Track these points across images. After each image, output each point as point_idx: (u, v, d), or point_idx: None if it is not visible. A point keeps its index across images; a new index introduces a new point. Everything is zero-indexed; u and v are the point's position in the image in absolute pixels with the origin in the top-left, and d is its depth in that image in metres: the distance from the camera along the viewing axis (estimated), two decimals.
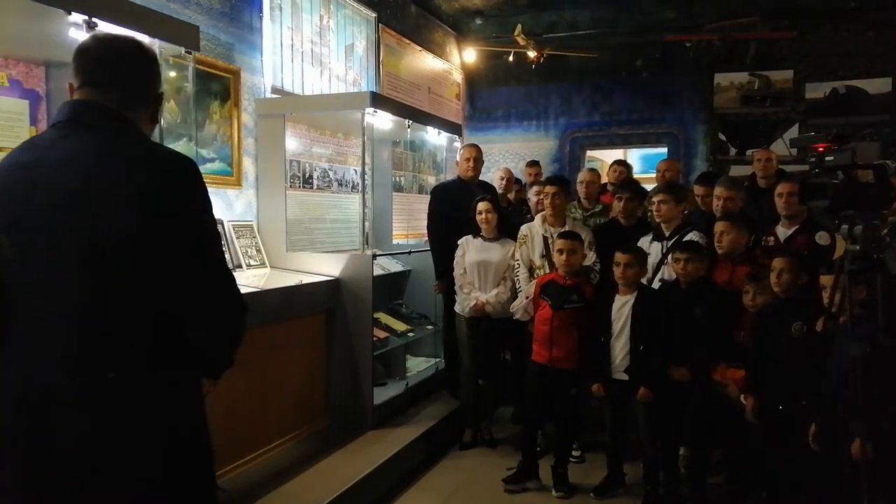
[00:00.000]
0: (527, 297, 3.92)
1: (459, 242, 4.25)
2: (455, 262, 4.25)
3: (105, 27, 2.44)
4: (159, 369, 1.39)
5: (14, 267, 1.34)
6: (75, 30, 2.44)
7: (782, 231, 3.75)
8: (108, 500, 1.34)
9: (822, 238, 3.15)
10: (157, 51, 1.60)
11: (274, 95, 4.43)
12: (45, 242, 1.33)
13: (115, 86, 1.45)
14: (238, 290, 1.50)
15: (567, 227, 3.98)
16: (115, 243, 1.32)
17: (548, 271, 3.90)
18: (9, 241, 1.34)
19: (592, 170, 5.05)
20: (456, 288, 4.27)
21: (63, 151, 1.38)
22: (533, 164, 6.05)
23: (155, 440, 1.37)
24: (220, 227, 3.76)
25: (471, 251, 4.19)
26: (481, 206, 4.14)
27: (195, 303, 1.42)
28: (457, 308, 4.29)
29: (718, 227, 3.58)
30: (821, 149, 2.50)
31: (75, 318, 1.33)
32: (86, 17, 2.41)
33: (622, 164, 5.58)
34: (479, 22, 7.56)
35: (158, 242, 1.35)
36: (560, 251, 3.65)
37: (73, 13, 2.38)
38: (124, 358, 1.34)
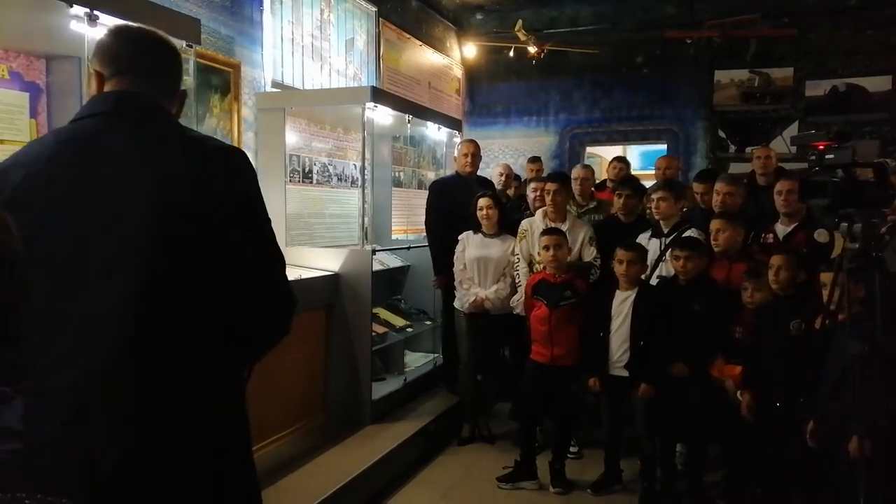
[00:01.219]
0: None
1: (460, 238, 4.25)
2: (455, 257, 4.25)
3: (106, 20, 2.44)
4: (215, 364, 1.35)
5: (60, 266, 1.24)
6: (76, 22, 2.44)
7: (781, 229, 3.75)
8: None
9: (820, 236, 3.16)
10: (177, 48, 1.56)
11: (274, 89, 4.42)
12: (103, 241, 1.25)
13: (151, 76, 1.41)
14: (286, 279, 1.49)
15: (568, 223, 3.99)
16: (184, 236, 1.29)
17: (545, 267, 3.90)
18: (62, 241, 1.25)
19: (586, 166, 5.05)
20: (455, 283, 4.27)
21: (114, 143, 1.32)
22: (535, 159, 6.05)
23: (212, 439, 1.33)
24: None
25: (471, 247, 4.20)
26: (482, 202, 4.14)
27: (248, 282, 1.38)
28: (456, 304, 4.29)
29: (714, 224, 3.59)
30: (821, 147, 2.51)
31: (130, 316, 1.24)
32: (87, 10, 2.41)
33: (622, 161, 5.58)
34: (479, 17, 7.55)
35: (221, 231, 1.33)
36: (546, 247, 3.66)
37: (74, 6, 2.38)
38: (185, 354, 1.30)
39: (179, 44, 2.84)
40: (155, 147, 1.34)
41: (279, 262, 1.46)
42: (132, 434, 1.23)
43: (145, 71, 1.40)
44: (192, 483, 1.30)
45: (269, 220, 1.46)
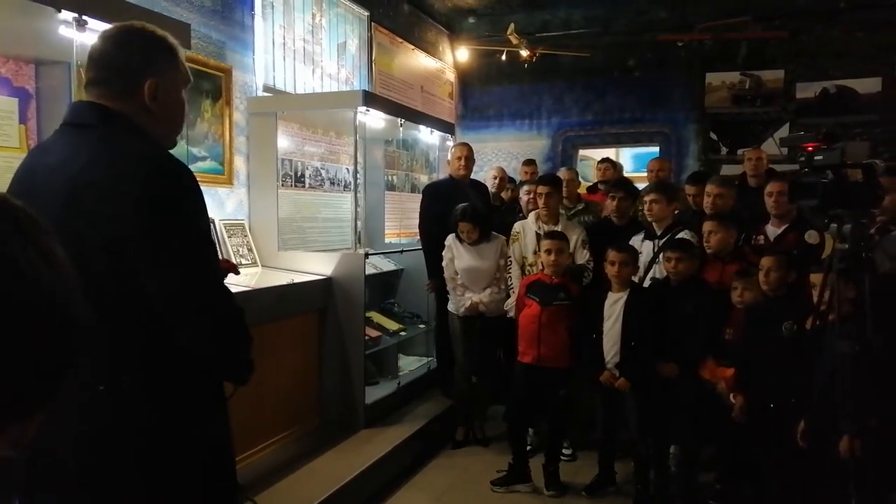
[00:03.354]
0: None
1: (447, 243, 4.22)
2: (444, 263, 4.24)
3: (95, 25, 2.43)
4: (151, 380, 1.33)
5: None
6: (65, 27, 2.44)
7: (772, 230, 3.77)
8: None
9: (811, 237, 3.17)
10: (159, 33, 1.47)
11: (266, 94, 4.42)
12: None
13: (102, 81, 1.40)
14: (224, 306, 1.40)
15: (560, 225, 3.99)
16: (98, 250, 1.27)
17: (541, 268, 3.90)
18: None
19: (570, 168, 5.08)
20: (448, 288, 4.27)
21: (56, 154, 1.36)
22: (529, 162, 6.07)
23: (148, 452, 1.32)
24: (212, 228, 3.77)
25: (459, 257, 4.18)
26: (462, 226, 4.09)
27: (175, 317, 1.34)
28: (450, 307, 4.29)
29: (706, 226, 3.60)
30: (810, 148, 2.52)
31: None
32: (75, 15, 2.41)
33: (608, 162, 5.61)
34: (471, 21, 7.56)
35: (140, 249, 1.29)
36: (548, 251, 3.66)
37: (62, 11, 2.38)
38: (113, 370, 1.29)
39: None
40: (79, 158, 1.34)
41: (208, 290, 1.37)
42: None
43: (96, 77, 1.41)
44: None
45: (203, 242, 1.38)
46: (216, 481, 1.48)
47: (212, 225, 3.78)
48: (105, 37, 1.44)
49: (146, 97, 1.41)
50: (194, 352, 1.38)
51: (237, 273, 1.76)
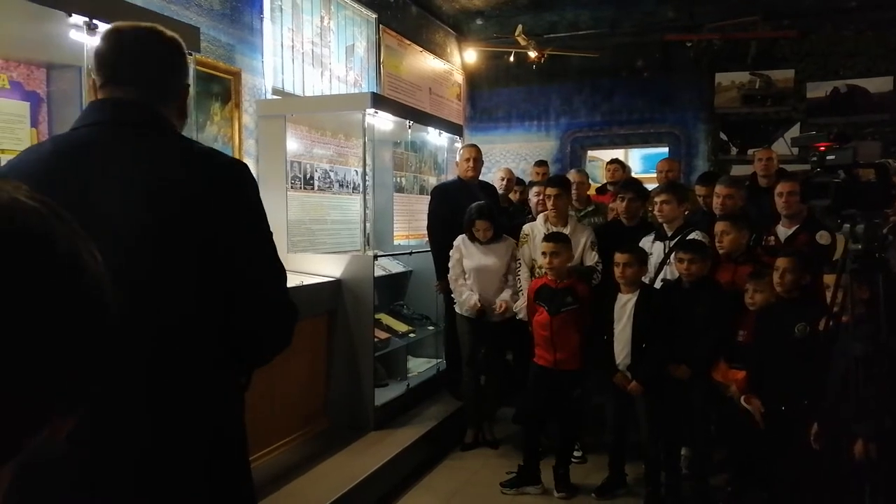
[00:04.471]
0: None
1: (455, 244, 4.23)
2: (451, 263, 4.24)
3: (105, 29, 2.44)
4: (214, 371, 1.36)
5: None
6: (76, 31, 2.45)
7: (783, 230, 3.74)
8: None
9: (822, 237, 3.15)
10: (181, 41, 1.47)
11: (275, 96, 4.43)
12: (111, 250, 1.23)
13: (139, 81, 1.36)
14: (286, 291, 1.47)
15: (570, 227, 3.98)
16: (183, 247, 1.28)
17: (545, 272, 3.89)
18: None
19: (580, 171, 5.07)
20: (452, 288, 4.26)
21: (114, 154, 1.30)
22: (541, 163, 6.06)
23: (199, 440, 1.32)
24: None
25: (469, 257, 4.18)
26: (479, 223, 4.09)
27: (246, 302, 1.38)
28: (457, 308, 4.28)
29: (719, 227, 3.58)
30: (822, 148, 2.50)
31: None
32: (86, 19, 2.42)
33: (618, 163, 5.60)
34: (479, 22, 7.56)
35: (218, 244, 1.31)
36: (544, 254, 3.66)
37: (73, 15, 2.39)
38: (190, 360, 1.30)
39: None
40: (152, 158, 1.31)
41: (280, 275, 1.44)
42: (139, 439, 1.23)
43: (137, 76, 1.36)
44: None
45: (270, 234, 1.44)
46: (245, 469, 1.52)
47: None
48: (134, 37, 1.39)
49: (183, 102, 1.45)
50: (254, 333, 1.43)
51: None
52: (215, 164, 1.38)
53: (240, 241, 1.35)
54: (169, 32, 1.44)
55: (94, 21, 2.43)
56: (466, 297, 4.12)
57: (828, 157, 2.48)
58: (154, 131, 1.35)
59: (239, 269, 1.35)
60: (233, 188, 1.36)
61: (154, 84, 1.38)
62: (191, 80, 1.55)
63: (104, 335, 0.55)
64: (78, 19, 2.41)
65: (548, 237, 3.75)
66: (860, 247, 2.38)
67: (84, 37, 2.45)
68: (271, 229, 1.45)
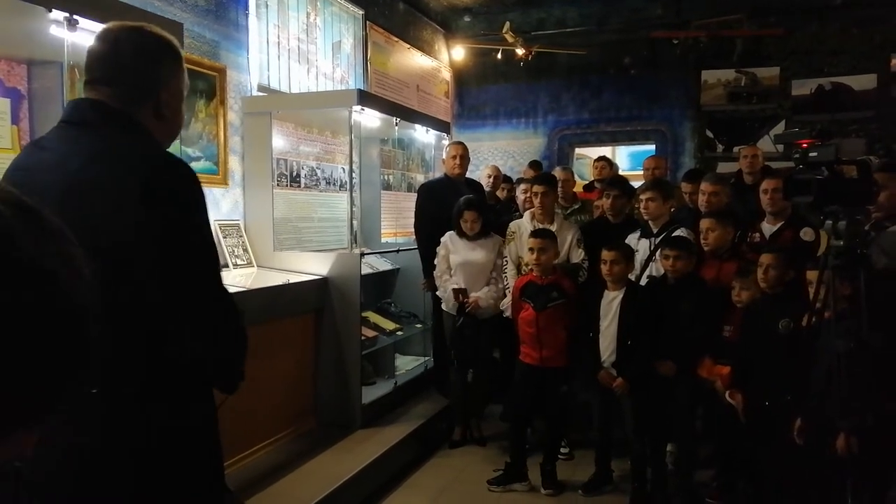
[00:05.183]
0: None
1: (442, 240, 4.23)
2: (437, 259, 4.24)
3: (86, 24, 2.42)
4: (145, 386, 1.30)
5: None
6: (56, 27, 2.42)
7: (767, 227, 3.76)
8: None
9: (806, 234, 3.17)
10: (171, 39, 1.48)
11: (260, 93, 4.40)
12: None
13: (113, 81, 1.37)
14: (227, 316, 1.36)
15: (556, 225, 3.98)
16: (97, 251, 1.24)
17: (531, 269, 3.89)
18: None
19: (566, 168, 5.08)
20: (437, 283, 4.26)
21: (54, 152, 1.32)
22: (535, 164, 6.07)
23: (139, 457, 1.30)
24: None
25: (456, 252, 4.18)
26: (467, 214, 4.10)
27: (176, 322, 1.31)
28: (443, 305, 4.28)
29: (704, 224, 3.59)
30: (804, 145, 2.51)
31: None
32: (66, 15, 2.39)
33: (605, 160, 5.61)
34: (467, 19, 7.56)
35: (143, 251, 1.25)
36: (531, 249, 3.66)
37: (53, 10, 2.36)
38: (107, 375, 1.21)
39: None
40: (83, 159, 1.30)
41: (207, 297, 1.33)
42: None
43: (105, 77, 1.37)
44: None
45: (207, 246, 1.35)
46: (207, 486, 1.46)
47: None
48: (115, 36, 1.40)
49: (162, 106, 1.42)
50: (192, 356, 1.34)
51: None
52: (145, 168, 1.30)
53: (156, 251, 1.26)
54: (154, 32, 1.43)
55: (75, 17, 2.40)
56: (449, 293, 4.12)
57: (810, 154, 2.49)
58: (107, 131, 1.33)
59: (157, 285, 1.26)
60: (151, 195, 1.26)
61: (125, 84, 1.38)
62: (180, 79, 1.49)
63: (71, 342, 0.51)
64: (58, 15, 2.38)
65: (534, 233, 3.76)
66: (842, 243, 2.39)
67: (65, 32, 2.42)
68: (209, 245, 1.35)
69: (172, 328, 1.30)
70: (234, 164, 4.16)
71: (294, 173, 4.59)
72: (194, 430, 1.40)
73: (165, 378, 1.32)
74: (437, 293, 4.30)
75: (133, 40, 1.40)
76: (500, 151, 7.61)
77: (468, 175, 4.96)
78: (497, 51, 7.19)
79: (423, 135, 5.43)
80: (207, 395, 1.45)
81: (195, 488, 1.42)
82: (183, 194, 1.31)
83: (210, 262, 1.36)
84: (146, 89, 1.40)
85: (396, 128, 4.78)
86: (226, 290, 1.39)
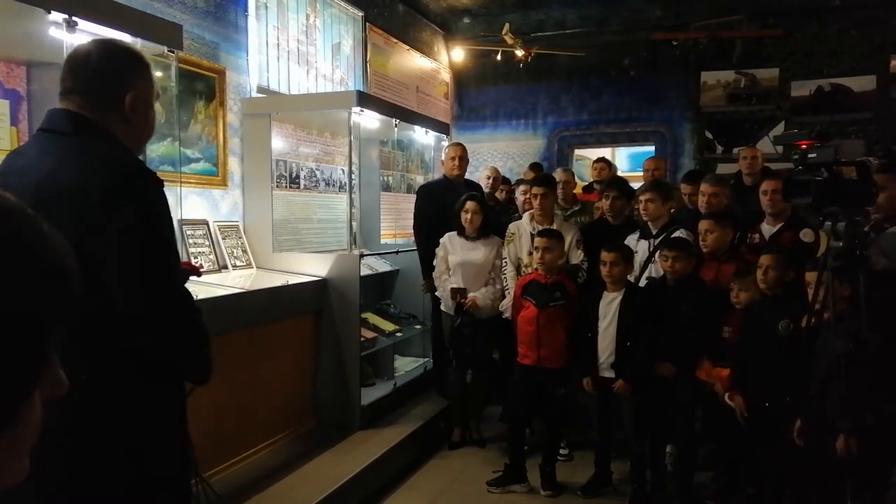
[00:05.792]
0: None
1: (441, 241, 4.23)
2: (436, 260, 4.24)
3: (85, 26, 2.42)
4: (108, 377, 1.37)
5: None
6: (55, 29, 2.42)
7: (767, 228, 3.76)
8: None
9: (806, 235, 3.17)
10: (136, 49, 1.57)
11: (260, 95, 4.40)
12: None
13: (80, 91, 1.46)
14: (182, 310, 1.44)
15: (556, 226, 3.98)
16: None
17: (535, 268, 3.89)
18: None
19: (566, 169, 5.08)
20: (436, 284, 4.26)
21: (27, 158, 1.41)
22: (535, 166, 6.07)
23: (101, 446, 1.37)
24: (206, 231, 3.75)
25: (455, 251, 4.18)
26: (469, 205, 4.13)
27: (136, 320, 1.39)
28: (442, 306, 4.28)
29: (703, 225, 3.59)
30: (804, 146, 2.51)
31: None
32: (66, 17, 2.39)
33: (604, 162, 5.61)
34: (466, 21, 7.56)
35: (102, 252, 1.33)
36: (536, 248, 3.67)
37: (52, 12, 2.36)
38: (71, 367, 1.30)
39: (160, 49, 2.83)
40: (52, 163, 1.38)
41: (158, 298, 1.41)
42: None
43: (73, 87, 1.46)
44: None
45: (153, 254, 1.41)
46: (172, 474, 1.52)
47: (206, 227, 3.77)
48: (85, 50, 1.50)
49: (127, 109, 1.48)
50: (154, 354, 1.43)
51: (199, 275, 1.80)
52: (106, 173, 1.38)
53: (114, 251, 1.35)
54: (121, 44, 1.55)
55: (74, 18, 2.40)
56: (448, 293, 4.12)
57: (809, 156, 2.50)
58: (74, 139, 1.41)
59: (117, 285, 1.35)
60: (109, 198, 1.34)
61: (94, 93, 1.46)
62: (147, 85, 1.54)
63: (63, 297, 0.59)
64: (57, 16, 2.38)
65: (541, 233, 3.75)
66: (841, 244, 2.39)
67: (64, 34, 2.42)
68: (167, 248, 1.43)
69: (135, 325, 1.39)
70: (234, 165, 4.16)
71: (293, 175, 4.59)
72: (160, 418, 1.47)
73: (127, 369, 1.40)
74: (437, 294, 4.30)
75: (100, 52, 1.49)
76: (499, 153, 7.61)
77: (467, 176, 4.96)
78: (496, 52, 7.20)
79: (422, 136, 5.43)
80: (174, 385, 1.51)
81: (163, 476, 1.48)
82: (141, 199, 1.39)
83: (165, 265, 1.43)
84: (112, 96, 1.48)
85: (396, 129, 4.78)
86: (183, 290, 1.47)
